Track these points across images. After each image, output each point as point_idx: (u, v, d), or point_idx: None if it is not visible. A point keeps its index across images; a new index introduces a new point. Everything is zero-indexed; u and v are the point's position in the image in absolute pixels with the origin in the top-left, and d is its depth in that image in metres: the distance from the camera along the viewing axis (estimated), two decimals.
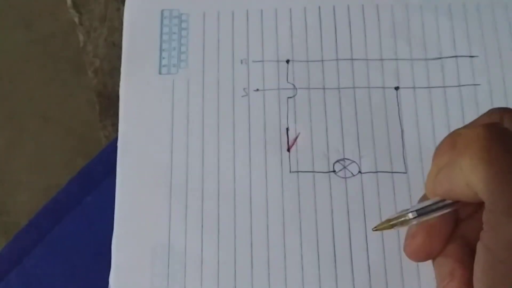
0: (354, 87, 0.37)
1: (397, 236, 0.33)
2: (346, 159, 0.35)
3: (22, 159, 0.92)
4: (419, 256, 0.29)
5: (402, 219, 0.29)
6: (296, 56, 0.37)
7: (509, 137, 0.25)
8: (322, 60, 0.37)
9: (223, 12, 0.39)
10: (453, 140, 0.27)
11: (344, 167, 0.35)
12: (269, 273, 0.33)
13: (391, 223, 0.29)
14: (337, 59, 0.37)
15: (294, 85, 0.37)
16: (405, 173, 0.35)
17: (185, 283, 0.33)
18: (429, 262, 0.32)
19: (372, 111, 0.36)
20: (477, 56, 0.37)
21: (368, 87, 0.37)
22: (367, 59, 0.37)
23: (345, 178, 0.35)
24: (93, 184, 0.37)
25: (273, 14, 0.38)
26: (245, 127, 0.36)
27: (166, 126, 0.36)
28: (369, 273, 0.33)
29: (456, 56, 0.37)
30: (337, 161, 0.35)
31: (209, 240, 0.34)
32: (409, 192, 0.34)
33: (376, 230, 0.30)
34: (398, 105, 0.36)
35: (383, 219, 0.31)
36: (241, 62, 0.37)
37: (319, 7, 0.38)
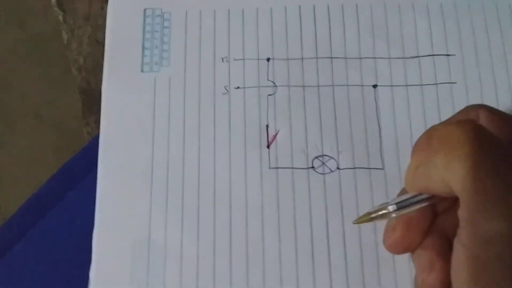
0: (333, 85, 0.37)
1: (373, 231, 0.34)
2: (324, 155, 0.36)
3: (13, 156, 0.92)
4: (398, 248, 0.30)
5: (382, 212, 0.30)
6: (276, 54, 0.38)
7: (482, 134, 0.26)
8: (302, 58, 0.38)
9: (205, 11, 0.39)
10: (430, 137, 0.28)
11: (323, 163, 0.36)
12: (247, 268, 0.34)
13: (371, 215, 0.30)
14: (316, 58, 0.38)
15: (274, 83, 0.37)
16: (382, 169, 0.35)
17: (164, 277, 0.33)
18: (406, 257, 0.33)
19: (350, 109, 0.37)
20: (453, 55, 0.38)
21: (347, 85, 0.37)
22: (346, 58, 0.38)
23: (324, 174, 0.35)
24: (75, 180, 0.37)
25: (254, 13, 0.39)
26: (226, 124, 0.36)
27: (147, 123, 0.37)
28: (346, 267, 0.33)
29: (433, 55, 0.38)
30: (316, 157, 0.36)
31: (189, 235, 0.34)
32: (386, 188, 0.35)
33: (356, 223, 0.31)
34: (376, 103, 0.37)
35: (361, 214, 0.32)
36: (222, 60, 0.38)
37: (299, 6, 0.39)
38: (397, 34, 0.38)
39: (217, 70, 0.38)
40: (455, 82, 0.37)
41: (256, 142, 0.36)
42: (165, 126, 0.36)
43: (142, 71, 0.38)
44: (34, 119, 0.92)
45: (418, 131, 0.36)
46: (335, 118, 0.36)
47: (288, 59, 0.38)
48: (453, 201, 0.28)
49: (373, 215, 0.30)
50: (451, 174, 0.25)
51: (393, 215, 0.29)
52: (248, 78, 0.38)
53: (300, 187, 0.35)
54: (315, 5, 0.39)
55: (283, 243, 0.34)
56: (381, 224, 0.34)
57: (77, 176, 0.37)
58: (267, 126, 0.36)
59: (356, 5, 0.39)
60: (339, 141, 0.36)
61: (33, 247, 0.36)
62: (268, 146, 0.36)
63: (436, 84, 0.37)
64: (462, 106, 0.32)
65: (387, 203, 0.30)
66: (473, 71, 0.37)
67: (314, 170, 0.35)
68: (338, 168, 0.35)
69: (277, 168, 0.35)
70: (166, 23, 0.39)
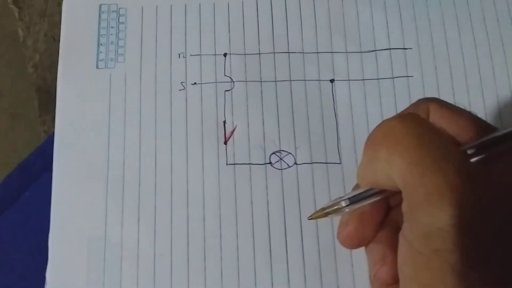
0: (290, 80, 0.37)
1: (330, 226, 0.34)
2: (282, 150, 0.36)
3: None
4: (352, 242, 0.30)
5: (336, 207, 0.30)
6: (233, 50, 0.38)
7: (423, 127, 0.26)
8: (259, 53, 0.38)
9: (161, 6, 0.39)
10: (377, 131, 0.28)
11: (280, 159, 0.36)
12: (205, 265, 0.33)
13: (325, 211, 0.30)
14: (274, 52, 0.38)
15: (231, 78, 0.37)
16: (340, 163, 0.35)
17: (121, 276, 0.33)
18: (362, 251, 0.33)
19: (308, 104, 0.37)
20: (410, 48, 0.38)
21: (304, 80, 0.37)
22: (303, 53, 0.38)
23: (281, 169, 0.35)
24: (31, 179, 0.37)
25: (211, 7, 0.39)
26: (182, 121, 0.36)
27: (103, 120, 0.36)
28: (304, 261, 0.33)
29: (390, 49, 0.38)
30: (273, 153, 0.36)
31: (146, 232, 0.34)
32: (343, 182, 0.35)
33: (311, 218, 0.31)
34: (333, 98, 0.37)
35: (318, 209, 0.32)
36: (179, 56, 0.38)
37: (257, 1, 0.39)
38: (354, 28, 0.38)
39: (174, 66, 0.37)
40: (412, 76, 0.37)
41: (213, 139, 0.36)
42: (121, 123, 0.36)
43: (97, 67, 0.37)
44: (10, 117, 0.91)
45: (375, 126, 0.36)
46: (293, 113, 0.36)
47: (245, 54, 0.38)
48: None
49: (327, 210, 0.30)
50: (393, 169, 0.25)
51: (346, 209, 0.29)
52: (205, 74, 0.37)
53: (257, 183, 0.35)
54: (272, 0, 0.39)
55: (240, 239, 0.34)
56: (338, 219, 0.34)
57: (33, 176, 0.37)
58: (224, 122, 0.36)
59: None
60: (296, 136, 0.36)
61: None
62: (225, 142, 0.36)
63: (393, 78, 0.37)
64: None
65: (340, 198, 0.30)
66: (430, 65, 0.37)
67: (271, 165, 0.35)
68: (295, 163, 0.35)
69: (234, 164, 0.35)
70: (121, 19, 0.38)
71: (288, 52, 0.38)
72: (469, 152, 0.25)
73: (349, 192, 0.30)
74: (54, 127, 0.37)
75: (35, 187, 0.37)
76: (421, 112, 0.29)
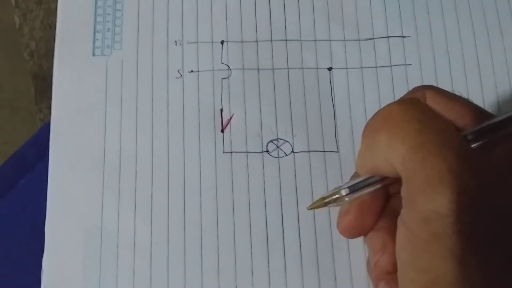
0: (288, 68, 0.37)
1: (328, 214, 0.34)
2: (279, 139, 0.36)
3: None
4: (352, 232, 0.29)
5: (335, 196, 0.29)
6: (230, 37, 0.37)
7: (424, 112, 0.26)
8: (257, 41, 0.37)
9: None
10: (376, 117, 0.28)
11: (277, 147, 0.35)
12: (201, 253, 0.33)
13: (325, 200, 0.30)
14: (271, 40, 0.38)
15: (228, 66, 0.37)
16: (337, 152, 0.35)
17: (117, 264, 0.33)
18: (360, 240, 0.33)
19: (305, 92, 0.36)
20: (408, 37, 0.38)
21: (302, 68, 0.37)
22: (301, 40, 0.38)
23: (278, 157, 0.35)
24: (27, 167, 0.37)
25: None
26: (179, 109, 0.36)
27: (99, 108, 0.36)
28: (300, 249, 0.33)
29: (388, 37, 0.38)
30: (271, 141, 0.36)
31: (142, 221, 0.34)
32: (340, 171, 0.35)
33: (310, 208, 0.31)
34: (331, 86, 0.37)
35: (316, 198, 0.31)
36: (176, 44, 0.37)
37: None
38: (352, 16, 0.38)
39: (171, 53, 0.37)
40: (410, 64, 0.37)
41: (210, 127, 0.36)
42: (117, 111, 0.36)
43: (93, 54, 0.37)
44: (10, 110, 0.91)
45: (373, 114, 0.36)
46: (290, 101, 0.36)
47: (242, 42, 0.37)
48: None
49: (326, 200, 0.30)
50: (393, 154, 0.25)
51: (346, 198, 0.29)
52: (202, 62, 0.37)
53: (254, 171, 0.35)
54: None
55: (237, 227, 0.34)
56: (336, 207, 0.34)
57: (29, 164, 0.37)
58: (221, 110, 0.36)
59: None
60: (293, 125, 0.36)
61: None
62: (222, 130, 0.36)
63: (391, 66, 0.37)
64: None
65: (340, 187, 0.30)
66: (428, 53, 0.37)
67: (268, 154, 0.35)
68: (292, 151, 0.35)
69: (231, 152, 0.35)
70: (118, 6, 0.38)
71: (286, 40, 0.37)
72: (469, 137, 0.25)
73: (348, 181, 0.30)
74: (50, 115, 0.36)
75: (31, 176, 0.37)
76: (418, 96, 0.29)
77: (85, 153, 0.35)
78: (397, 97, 0.36)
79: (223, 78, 0.37)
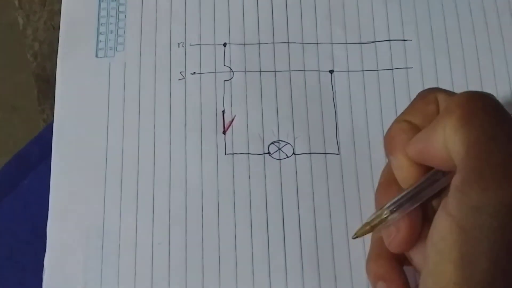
0: (290, 70, 0.37)
1: (328, 216, 0.34)
2: (280, 141, 0.36)
3: None
4: (407, 247, 0.29)
5: (380, 218, 0.29)
6: (233, 39, 0.38)
7: (497, 105, 0.26)
8: (259, 43, 0.38)
9: None
10: (428, 100, 0.29)
11: (279, 149, 0.36)
12: (203, 254, 0.33)
13: (371, 224, 0.29)
14: (273, 43, 0.38)
15: (230, 68, 0.37)
16: (338, 154, 0.35)
17: (119, 264, 0.33)
18: (360, 241, 0.33)
19: (307, 94, 0.37)
20: (410, 40, 0.38)
21: (304, 70, 0.37)
22: (303, 43, 0.38)
23: (280, 159, 0.35)
24: (30, 168, 0.37)
25: None
26: (182, 110, 0.36)
27: (102, 109, 0.36)
28: (301, 251, 0.33)
29: (389, 40, 0.38)
30: (272, 143, 0.36)
31: (144, 221, 0.34)
32: (341, 173, 0.35)
33: (356, 237, 0.30)
34: (332, 88, 0.37)
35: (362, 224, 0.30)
36: (179, 46, 0.38)
37: None
38: (354, 19, 0.38)
39: (173, 55, 0.37)
40: (411, 67, 0.37)
41: (212, 128, 0.36)
42: (120, 112, 0.36)
43: (96, 56, 0.37)
44: (11, 110, 0.91)
45: (374, 116, 0.36)
46: (292, 103, 0.36)
47: (244, 44, 0.38)
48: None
49: (373, 224, 0.29)
50: (459, 139, 0.25)
51: (390, 217, 0.29)
52: (204, 64, 0.37)
53: (256, 173, 0.35)
54: None
55: (238, 228, 0.34)
56: (337, 208, 0.34)
57: (32, 164, 0.37)
58: (223, 112, 0.36)
59: None
60: (295, 127, 0.36)
61: None
62: (224, 132, 0.36)
63: (392, 69, 0.37)
64: (418, 91, 0.32)
65: (381, 208, 0.29)
66: (429, 56, 0.37)
67: (270, 155, 0.35)
68: (294, 153, 0.35)
69: (233, 154, 0.35)
70: (121, 8, 0.38)
71: (288, 43, 0.38)
72: None
73: (389, 200, 0.29)
74: (53, 116, 0.37)
75: (33, 175, 0.37)
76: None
77: (88, 154, 0.35)
78: (398, 100, 0.36)
79: (225, 80, 0.37)
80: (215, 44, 0.38)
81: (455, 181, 0.25)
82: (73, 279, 0.33)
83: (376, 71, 0.37)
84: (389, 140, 0.30)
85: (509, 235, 0.23)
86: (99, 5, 0.38)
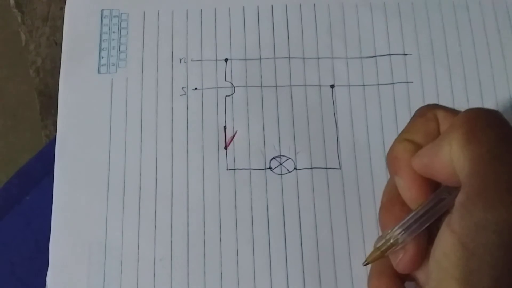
0: (291, 85, 0.37)
1: (330, 228, 0.34)
2: (282, 156, 0.36)
3: None
4: (415, 267, 0.29)
5: (390, 243, 0.29)
6: (234, 55, 0.38)
7: (505, 123, 0.26)
8: (260, 59, 0.38)
9: (163, 11, 0.39)
10: (429, 116, 0.29)
11: (280, 164, 0.36)
12: (205, 270, 0.34)
13: (381, 249, 0.29)
14: (274, 58, 0.38)
15: (232, 84, 0.37)
16: (339, 169, 0.36)
17: (121, 280, 0.33)
18: (361, 255, 0.33)
19: (308, 109, 0.37)
20: (410, 54, 0.38)
21: (305, 85, 0.37)
22: (304, 58, 0.38)
23: (281, 174, 0.35)
24: (32, 183, 0.37)
25: (212, 13, 0.39)
26: (183, 126, 0.36)
27: (104, 124, 0.36)
28: (303, 266, 0.34)
29: (390, 54, 0.38)
30: (274, 158, 0.36)
31: (146, 237, 0.34)
32: (343, 187, 0.35)
33: (367, 263, 0.30)
34: (333, 103, 0.37)
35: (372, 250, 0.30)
36: (180, 61, 0.38)
37: (258, 7, 0.39)
38: (355, 34, 0.38)
39: (175, 71, 0.38)
40: (412, 82, 0.37)
41: (214, 144, 0.36)
42: (122, 128, 0.36)
43: (98, 72, 0.38)
44: (12, 119, 0.91)
45: (374, 131, 0.36)
46: (293, 118, 0.37)
47: (246, 60, 0.38)
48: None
49: (383, 248, 0.29)
50: (464, 155, 0.25)
51: (401, 240, 0.28)
52: (206, 79, 0.37)
53: (257, 188, 0.35)
54: (273, 5, 0.39)
55: (240, 244, 0.34)
56: (339, 222, 0.34)
57: (35, 180, 0.37)
58: (224, 127, 0.36)
59: (314, 5, 0.39)
60: (296, 142, 0.36)
61: None
62: (225, 147, 0.36)
63: (392, 83, 0.37)
64: (418, 105, 0.32)
65: (388, 232, 0.29)
66: (429, 71, 0.38)
67: (271, 170, 0.36)
68: (295, 168, 0.36)
69: (234, 169, 0.35)
70: (123, 24, 0.39)
71: (289, 58, 0.38)
72: None
73: (397, 224, 0.29)
74: (55, 131, 0.37)
75: (36, 191, 0.37)
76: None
77: (90, 170, 0.35)
78: (399, 114, 0.37)
79: (226, 96, 0.37)
80: (216, 60, 0.38)
81: (460, 198, 0.25)
82: None
83: (376, 86, 0.37)
84: (392, 160, 0.29)
85: None
86: (101, 21, 0.39)
